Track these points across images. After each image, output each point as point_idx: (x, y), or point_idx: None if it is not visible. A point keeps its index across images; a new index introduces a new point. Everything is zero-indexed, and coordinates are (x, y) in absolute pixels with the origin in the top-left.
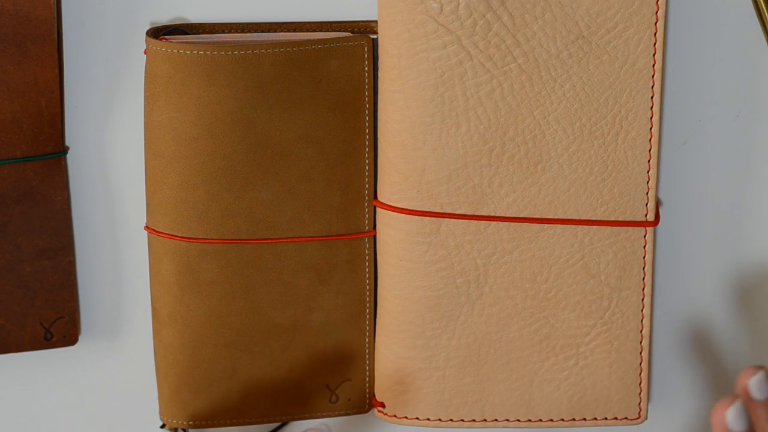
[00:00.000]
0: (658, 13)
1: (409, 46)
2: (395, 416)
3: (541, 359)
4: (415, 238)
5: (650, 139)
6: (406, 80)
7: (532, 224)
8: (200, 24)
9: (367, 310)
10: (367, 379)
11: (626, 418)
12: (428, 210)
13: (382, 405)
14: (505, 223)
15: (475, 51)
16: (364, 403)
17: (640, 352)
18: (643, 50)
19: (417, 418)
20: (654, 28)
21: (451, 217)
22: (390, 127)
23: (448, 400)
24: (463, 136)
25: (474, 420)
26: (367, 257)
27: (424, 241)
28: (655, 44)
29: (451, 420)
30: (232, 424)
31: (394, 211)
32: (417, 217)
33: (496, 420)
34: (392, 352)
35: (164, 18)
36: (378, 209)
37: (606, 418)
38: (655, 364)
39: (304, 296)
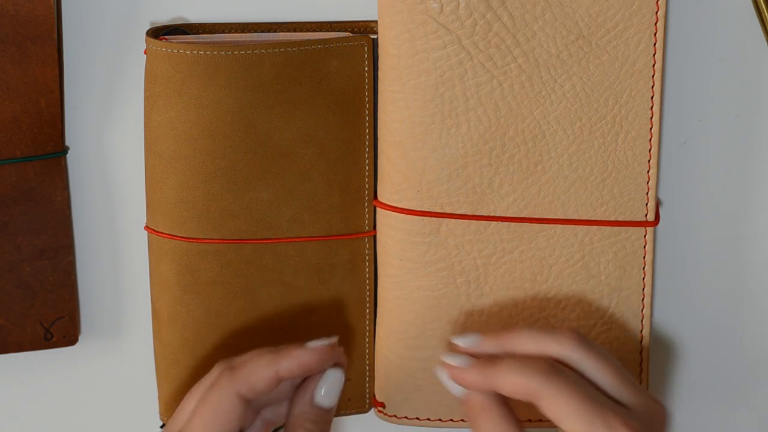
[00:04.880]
0: (658, 13)
1: (409, 46)
2: (395, 416)
3: None
4: (415, 238)
5: (650, 139)
6: (406, 80)
7: (532, 224)
8: (200, 24)
9: (367, 310)
10: (367, 379)
11: None
12: (428, 210)
13: (382, 405)
14: (505, 223)
15: (475, 51)
16: (364, 403)
17: (640, 352)
18: (643, 50)
19: (417, 418)
20: (654, 28)
21: (451, 217)
22: (390, 127)
23: (448, 400)
24: (463, 136)
25: None
26: (367, 257)
27: (424, 241)
28: (655, 44)
29: (452, 420)
30: None
31: (394, 211)
32: (417, 217)
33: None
34: (392, 352)
35: (164, 18)
36: (378, 209)
37: None
38: (655, 364)
39: (304, 296)
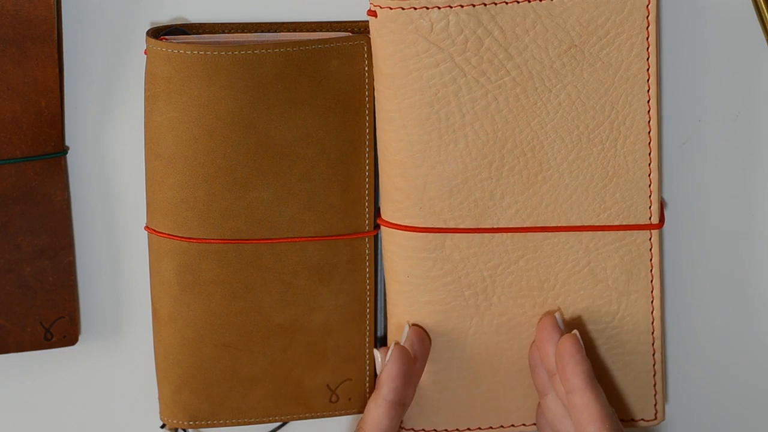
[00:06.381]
0: (649, 18)
1: (402, 66)
2: (413, 429)
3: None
4: (420, 255)
5: (649, 143)
6: (401, 100)
7: (536, 233)
8: (200, 24)
9: (367, 310)
10: (368, 378)
11: (643, 419)
12: (432, 226)
13: None
14: (509, 233)
15: (468, 67)
16: (364, 403)
17: (653, 354)
18: (636, 55)
19: (435, 430)
20: (646, 32)
21: (455, 232)
22: (389, 146)
23: (463, 410)
24: (461, 151)
25: (491, 427)
26: (367, 257)
27: (429, 257)
28: (648, 48)
29: (468, 429)
30: (232, 424)
31: (398, 228)
32: (421, 233)
33: (512, 425)
34: None
35: (164, 18)
36: (383, 228)
37: (623, 420)
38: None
39: (304, 296)
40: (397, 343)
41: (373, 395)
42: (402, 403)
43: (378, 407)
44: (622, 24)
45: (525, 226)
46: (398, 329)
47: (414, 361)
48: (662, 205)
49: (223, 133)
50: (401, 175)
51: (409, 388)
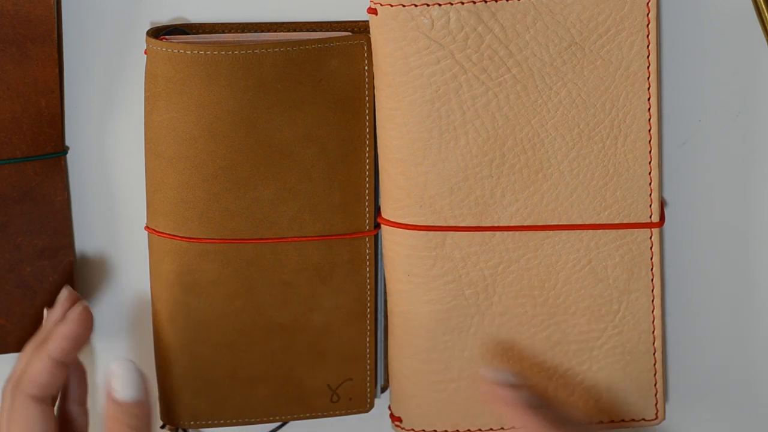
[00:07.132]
0: (650, 15)
1: (403, 63)
2: (413, 430)
3: (555, 365)
4: (421, 253)
5: (650, 141)
6: (401, 97)
7: (537, 232)
8: (200, 24)
9: (368, 310)
10: (368, 378)
11: (643, 419)
12: (432, 224)
13: (399, 420)
14: (510, 232)
15: (469, 64)
16: (365, 402)
17: (654, 353)
18: (637, 53)
19: (435, 431)
20: (646, 30)
21: (455, 230)
22: (389, 144)
23: (464, 410)
24: (462, 149)
25: (492, 429)
26: (367, 257)
27: (430, 255)
28: (648, 46)
29: (469, 430)
30: (232, 424)
31: (398, 227)
32: (421, 231)
33: (514, 427)
34: (406, 366)
35: (164, 18)
36: (383, 226)
37: (623, 420)
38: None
39: (304, 296)
40: (85, 307)
41: (37, 345)
42: (66, 365)
43: (41, 361)
44: (623, 21)
45: (526, 224)
46: (399, 328)
47: (91, 328)
48: (662, 204)
49: (223, 133)
50: (402, 173)
51: (77, 351)
